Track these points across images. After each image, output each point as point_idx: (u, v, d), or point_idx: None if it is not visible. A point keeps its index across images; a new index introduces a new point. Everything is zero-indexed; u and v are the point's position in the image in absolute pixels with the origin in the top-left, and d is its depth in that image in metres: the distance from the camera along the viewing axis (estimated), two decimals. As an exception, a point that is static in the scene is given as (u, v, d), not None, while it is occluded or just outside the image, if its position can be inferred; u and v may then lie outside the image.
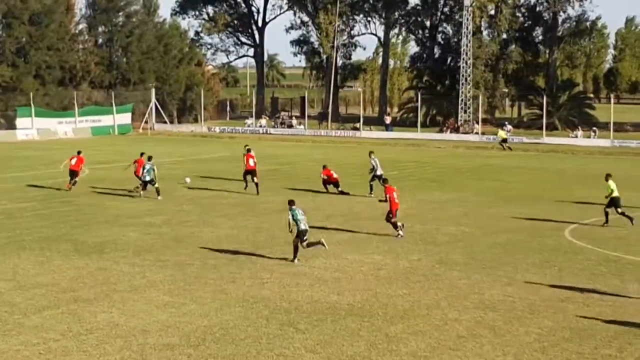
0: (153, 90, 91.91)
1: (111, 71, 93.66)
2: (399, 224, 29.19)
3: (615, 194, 31.73)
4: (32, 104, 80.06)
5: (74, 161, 41.62)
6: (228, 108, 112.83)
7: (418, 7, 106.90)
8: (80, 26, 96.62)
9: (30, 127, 79.30)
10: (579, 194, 40.13)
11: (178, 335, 17.76)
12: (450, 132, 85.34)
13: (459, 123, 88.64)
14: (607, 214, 31.73)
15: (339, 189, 40.44)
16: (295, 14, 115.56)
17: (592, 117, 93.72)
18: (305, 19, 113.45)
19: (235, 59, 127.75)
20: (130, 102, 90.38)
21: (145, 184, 38.31)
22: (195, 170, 49.73)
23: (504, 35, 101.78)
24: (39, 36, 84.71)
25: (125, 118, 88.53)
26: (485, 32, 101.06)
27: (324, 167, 41.73)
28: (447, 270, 23.93)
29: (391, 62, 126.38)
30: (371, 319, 18.98)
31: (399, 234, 28.97)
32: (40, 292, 21.11)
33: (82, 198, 38.23)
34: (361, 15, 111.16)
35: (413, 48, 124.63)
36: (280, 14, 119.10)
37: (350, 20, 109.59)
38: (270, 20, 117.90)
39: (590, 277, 23.19)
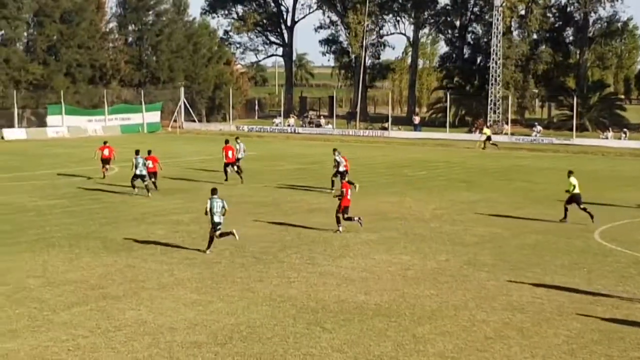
0: (182, 89, 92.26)
1: (141, 70, 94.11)
2: (355, 218, 29.83)
3: (576, 190, 32.38)
4: (62, 102, 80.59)
5: (106, 151, 44.35)
6: (256, 107, 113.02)
7: (448, 7, 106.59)
8: (111, 25, 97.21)
9: (60, 124, 79.84)
10: (609, 196, 39.87)
11: (205, 333, 17.81)
12: (480, 132, 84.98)
13: (489, 123, 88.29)
14: (566, 210, 32.53)
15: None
16: (324, 14, 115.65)
17: (623, 119, 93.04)
18: (335, 18, 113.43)
19: (264, 58, 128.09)
20: (159, 101, 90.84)
21: (139, 178, 38.50)
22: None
23: (535, 36, 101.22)
24: (69, 34, 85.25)
25: (155, 116, 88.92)
26: (515, 33, 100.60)
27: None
28: (475, 271, 23.84)
29: (420, 62, 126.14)
30: (398, 319, 18.95)
31: (338, 230, 29.48)
32: (69, 289, 21.24)
33: (110, 196, 38.43)
34: (390, 15, 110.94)
35: (442, 48, 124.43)
36: (310, 13, 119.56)
37: (380, 20, 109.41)
38: (299, 20, 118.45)
39: (619, 280, 23.02)
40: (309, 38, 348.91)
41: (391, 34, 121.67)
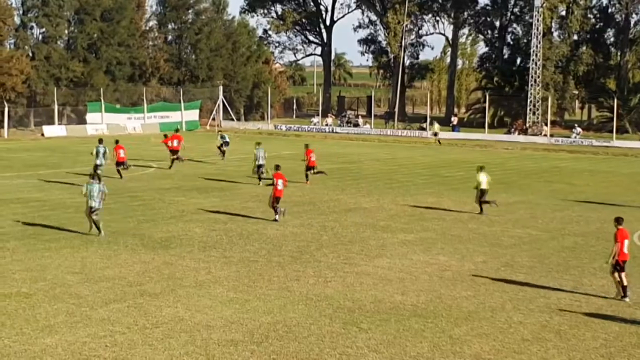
0: (221, 88, 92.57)
1: (180, 68, 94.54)
2: (280, 209, 31.48)
3: (483, 186, 34.21)
4: (102, 100, 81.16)
5: (175, 142, 48.00)
6: (294, 106, 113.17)
7: (487, 7, 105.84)
8: (151, 23, 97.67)
9: (100, 122, 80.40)
10: (649, 199, 39.47)
11: (242, 331, 17.85)
12: (518, 133, 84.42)
13: (527, 124, 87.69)
14: (480, 204, 34.26)
15: (315, 171, 43.06)
16: (363, 13, 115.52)
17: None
18: (374, 18, 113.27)
19: (303, 57, 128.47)
20: (198, 99, 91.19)
21: (99, 167, 40.38)
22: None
23: (575, 37, 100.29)
24: (110, 32, 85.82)
25: (193, 115, 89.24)
26: (555, 33, 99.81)
27: (307, 146, 44.12)
28: (512, 273, 23.70)
29: (459, 62, 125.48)
30: (435, 320, 18.88)
31: (275, 219, 31.25)
32: (107, 286, 21.39)
33: (148, 193, 38.65)
34: (430, 15, 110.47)
35: (482, 48, 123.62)
36: (349, 12, 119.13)
37: (419, 20, 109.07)
38: (338, 19, 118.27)
39: (659, 283, 22.76)
40: (347, 37, 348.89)
41: (430, 34, 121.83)
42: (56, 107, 79.48)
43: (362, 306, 19.95)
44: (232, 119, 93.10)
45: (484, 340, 17.57)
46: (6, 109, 74.80)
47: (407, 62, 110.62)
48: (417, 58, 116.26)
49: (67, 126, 79.44)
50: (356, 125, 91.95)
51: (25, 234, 28.16)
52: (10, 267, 23.19)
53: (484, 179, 34.24)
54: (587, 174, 51.67)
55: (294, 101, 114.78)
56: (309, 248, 26.63)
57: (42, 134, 75.49)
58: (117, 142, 44.12)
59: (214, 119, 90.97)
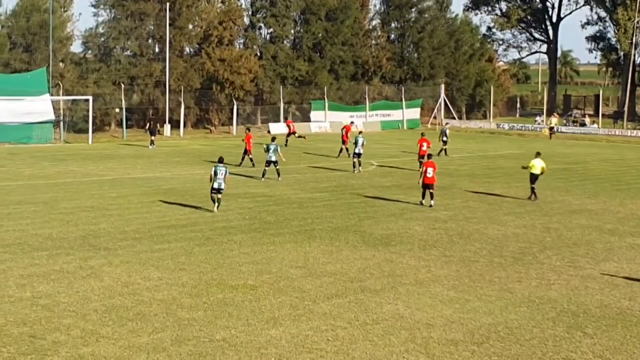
0: (442, 86, 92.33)
1: (402, 66, 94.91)
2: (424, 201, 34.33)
3: (533, 171, 36.27)
4: (325, 98, 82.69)
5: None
6: (518, 105, 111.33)
7: None
8: (374, 22, 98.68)
9: (323, 120, 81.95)
10: None
11: (462, 331, 17.67)
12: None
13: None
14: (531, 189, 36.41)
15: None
16: (591, 9, 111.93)
17: None
18: (603, 14, 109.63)
19: (527, 55, 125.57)
20: (419, 97, 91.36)
21: (272, 164, 41.69)
22: (482, 166, 49.41)
23: None
24: (334, 32, 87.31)
25: (414, 113, 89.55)
26: None
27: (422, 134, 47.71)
28: None
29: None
30: (666, 329, 18.04)
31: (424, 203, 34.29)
32: (329, 281, 21.70)
33: (369, 191, 38.97)
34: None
35: None
36: (576, 9, 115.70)
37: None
38: (565, 16, 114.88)
39: None
40: (574, 34, 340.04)
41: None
42: (282, 105, 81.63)
43: (587, 310, 19.32)
44: (454, 118, 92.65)
45: None
46: (235, 107, 77.60)
47: (638, 60, 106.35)
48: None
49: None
50: (583, 124, 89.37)
51: (251, 228, 29.01)
52: (237, 260, 23.95)
53: (536, 164, 36.27)
54: None
55: (518, 100, 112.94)
56: (532, 249, 26.07)
57: (268, 131, 77.71)
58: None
59: (435, 117, 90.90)
